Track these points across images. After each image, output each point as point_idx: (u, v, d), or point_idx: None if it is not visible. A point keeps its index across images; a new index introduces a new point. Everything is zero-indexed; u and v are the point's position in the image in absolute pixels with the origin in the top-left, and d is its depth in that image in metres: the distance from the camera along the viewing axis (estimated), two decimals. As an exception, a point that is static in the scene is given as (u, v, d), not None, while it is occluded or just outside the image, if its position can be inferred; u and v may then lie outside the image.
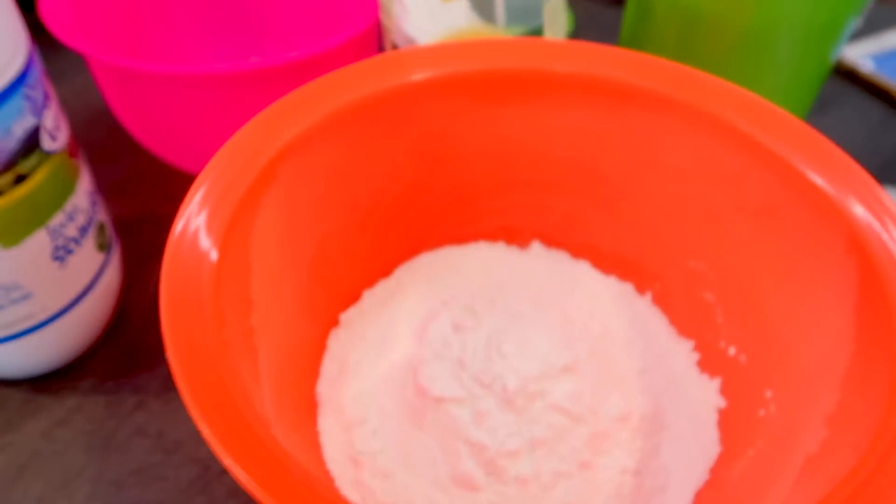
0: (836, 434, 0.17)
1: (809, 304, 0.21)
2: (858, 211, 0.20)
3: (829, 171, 0.21)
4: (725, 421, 0.24)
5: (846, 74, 0.45)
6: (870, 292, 0.18)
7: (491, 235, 0.30)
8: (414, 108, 0.25)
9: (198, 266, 0.18)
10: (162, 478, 0.26)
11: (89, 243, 0.26)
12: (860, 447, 0.15)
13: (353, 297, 0.28)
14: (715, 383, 0.25)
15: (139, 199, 0.36)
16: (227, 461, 0.15)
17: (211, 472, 0.26)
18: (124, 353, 0.30)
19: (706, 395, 0.25)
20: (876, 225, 0.19)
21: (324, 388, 0.25)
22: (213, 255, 0.18)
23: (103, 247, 0.28)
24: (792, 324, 0.21)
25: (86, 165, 0.27)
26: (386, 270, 0.29)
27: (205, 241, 0.18)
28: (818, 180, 0.21)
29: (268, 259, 0.22)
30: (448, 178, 0.28)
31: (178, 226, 0.18)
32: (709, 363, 0.26)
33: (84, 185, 0.26)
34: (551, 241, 0.30)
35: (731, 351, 0.25)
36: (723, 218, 0.24)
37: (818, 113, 0.42)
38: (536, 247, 0.30)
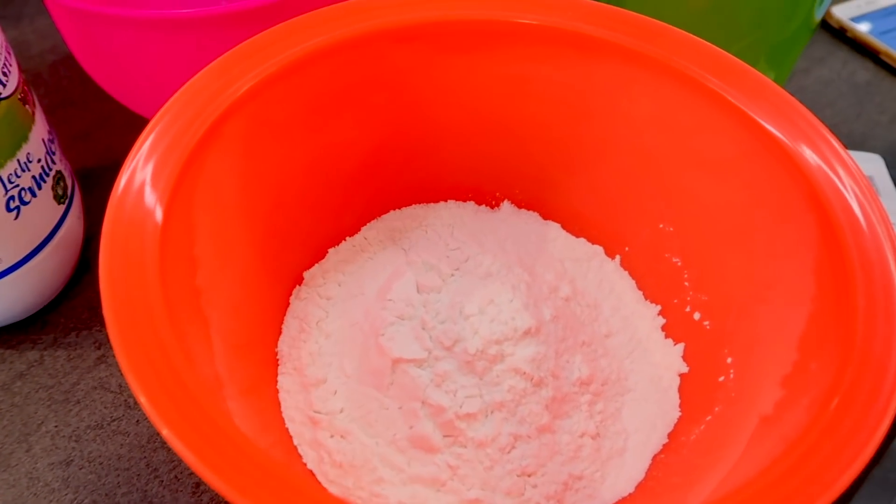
0: (792, 394, 0.17)
1: (770, 264, 0.20)
2: (817, 167, 0.19)
3: (788, 125, 0.20)
4: (687, 386, 0.24)
5: (835, 33, 0.44)
6: (829, 251, 0.18)
7: (461, 195, 0.29)
8: (378, 57, 0.24)
9: (141, 225, 0.17)
10: (122, 433, 0.26)
11: (46, 194, 0.26)
12: (814, 406, 0.15)
13: (319, 255, 0.27)
14: (678, 348, 0.25)
15: (105, 147, 0.36)
16: (164, 431, 0.14)
17: (172, 427, 0.26)
18: (86, 307, 0.29)
19: (669, 360, 0.25)
20: (836, 182, 0.19)
21: (284, 346, 0.25)
22: (158, 215, 0.18)
23: (62, 198, 0.27)
24: (753, 285, 0.21)
25: (41, 114, 0.26)
26: (353, 228, 0.28)
27: (150, 198, 0.18)
28: (777, 133, 0.20)
29: (218, 216, 0.21)
30: (416, 134, 0.27)
31: (122, 181, 0.18)
32: (674, 328, 0.25)
33: (39, 132, 0.25)
34: (522, 203, 0.29)
35: (696, 316, 0.24)
36: (687, 177, 0.23)
37: (803, 72, 0.41)
38: (507, 207, 0.29)
